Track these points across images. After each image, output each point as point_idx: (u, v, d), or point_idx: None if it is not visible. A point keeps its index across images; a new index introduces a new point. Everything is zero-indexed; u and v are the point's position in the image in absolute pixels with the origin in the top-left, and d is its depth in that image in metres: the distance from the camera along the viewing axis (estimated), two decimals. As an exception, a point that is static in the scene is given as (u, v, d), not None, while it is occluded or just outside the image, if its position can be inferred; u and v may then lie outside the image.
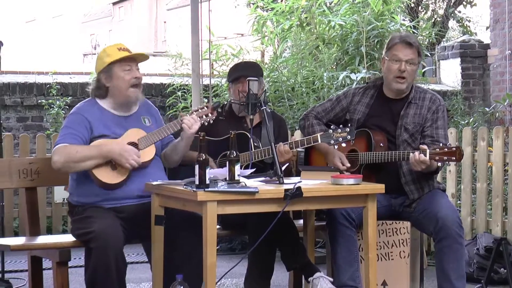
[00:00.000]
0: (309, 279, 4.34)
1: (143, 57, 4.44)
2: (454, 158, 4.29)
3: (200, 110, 4.37)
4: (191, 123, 4.31)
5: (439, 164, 4.33)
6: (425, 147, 4.35)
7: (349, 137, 4.30)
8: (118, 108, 4.38)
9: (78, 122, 4.30)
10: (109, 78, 4.34)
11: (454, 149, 4.29)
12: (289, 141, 4.55)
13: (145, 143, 4.30)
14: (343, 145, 4.42)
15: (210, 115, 4.35)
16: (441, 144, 4.34)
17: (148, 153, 4.31)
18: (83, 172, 4.26)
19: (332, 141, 4.33)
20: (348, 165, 4.55)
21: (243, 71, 4.79)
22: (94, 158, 4.20)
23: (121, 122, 4.36)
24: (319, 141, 4.38)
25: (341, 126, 4.34)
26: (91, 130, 4.29)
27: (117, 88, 4.33)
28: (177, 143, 4.40)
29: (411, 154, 4.36)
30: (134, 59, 4.38)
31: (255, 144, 4.64)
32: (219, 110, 4.71)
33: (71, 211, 4.40)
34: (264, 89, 4.81)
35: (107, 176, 4.23)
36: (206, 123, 4.37)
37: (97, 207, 4.25)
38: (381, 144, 4.56)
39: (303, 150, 4.89)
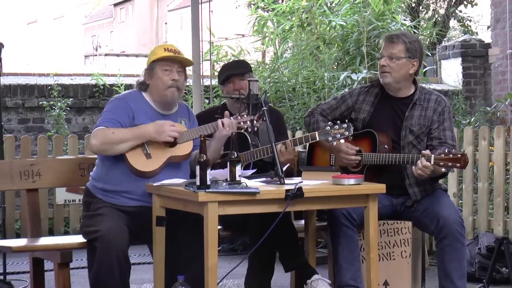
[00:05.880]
0: (307, 282, 4.33)
1: (187, 61, 4.47)
2: (458, 165, 4.28)
3: (239, 117, 4.37)
4: (228, 124, 4.32)
5: (444, 170, 4.33)
6: (428, 152, 4.34)
7: (346, 133, 4.30)
8: (158, 105, 4.42)
9: (121, 108, 4.33)
10: (150, 76, 4.40)
11: (460, 155, 4.28)
12: (288, 140, 4.53)
13: (184, 138, 4.32)
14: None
15: (249, 123, 4.34)
16: (446, 150, 4.33)
17: (185, 148, 4.33)
18: (116, 159, 4.26)
19: (330, 138, 4.32)
20: (356, 148, 4.55)
21: (231, 70, 4.84)
22: (130, 140, 4.22)
23: (160, 119, 4.38)
24: (317, 138, 4.38)
25: (338, 122, 4.34)
26: (133, 118, 4.31)
27: (155, 86, 4.38)
28: (208, 143, 4.40)
29: (418, 163, 4.34)
30: (179, 61, 4.40)
31: (253, 143, 4.64)
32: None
33: (87, 203, 4.37)
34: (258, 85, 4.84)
35: (140, 163, 4.24)
36: (249, 129, 4.36)
37: (112, 206, 4.24)
38: (385, 146, 4.56)
39: (304, 150, 4.89)
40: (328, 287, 4.27)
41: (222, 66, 5.16)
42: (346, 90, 6.61)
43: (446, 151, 4.32)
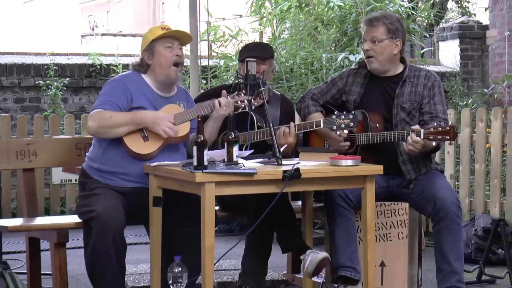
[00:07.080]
0: (301, 257, 4.31)
1: (186, 37, 4.45)
2: (448, 137, 4.29)
3: (236, 96, 4.35)
4: (225, 104, 4.30)
5: (434, 143, 4.34)
6: (418, 127, 4.35)
7: (352, 124, 4.28)
8: (158, 87, 4.38)
9: (119, 90, 4.30)
10: (151, 56, 4.36)
11: (448, 128, 4.29)
12: (291, 124, 4.50)
13: (181, 119, 4.29)
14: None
15: (247, 101, 4.32)
16: (435, 124, 4.34)
17: (183, 129, 4.30)
18: (113, 141, 4.25)
19: (335, 127, 4.30)
20: (345, 135, 4.53)
21: (251, 52, 4.74)
22: (127, 124, 4.20)
23: (159, 100, 4.36)
24: (322, 126, 4.37)
25: (344, 112, 4.32)
26: (131, 100, 4.28)
27: (158, 65, 4.34)
28: (206, 123, 4.39)
29: (408, 138, 4.35)
30: (177, 38, 4.38)
31: (259, 124, 4.61)
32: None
33: (83, 184, 4.36)
34: (275, 70, 4.83)
35: (137, 146, 4.22)
36: (247, 108, 4.35)
37: (107, 187, 4.23)
38: (377, 125, 4.56)
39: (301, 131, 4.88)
40: (319, 254, 4.20)
41: (246, 44, 5.10)
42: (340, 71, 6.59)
43: (435, 124, 4.33)
